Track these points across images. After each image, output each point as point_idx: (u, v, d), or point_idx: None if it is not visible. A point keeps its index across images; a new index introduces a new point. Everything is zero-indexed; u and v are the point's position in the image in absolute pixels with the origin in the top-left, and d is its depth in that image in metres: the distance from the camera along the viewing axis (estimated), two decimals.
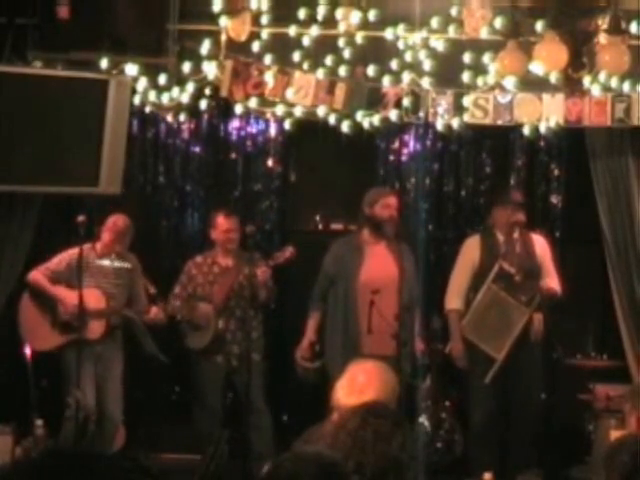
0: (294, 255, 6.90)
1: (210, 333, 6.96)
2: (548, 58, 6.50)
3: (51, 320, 6.94)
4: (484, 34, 6.65)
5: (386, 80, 6.76)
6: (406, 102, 6.82)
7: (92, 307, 6.80)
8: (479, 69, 6.70)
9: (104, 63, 6.70)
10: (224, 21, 6.65)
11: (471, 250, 7.00)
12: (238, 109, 6.93)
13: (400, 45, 6.73)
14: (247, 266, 6.94)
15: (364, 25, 6.69)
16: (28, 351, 6.78)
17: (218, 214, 7.11)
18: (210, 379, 7.01)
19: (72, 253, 6.90)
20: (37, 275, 6.93)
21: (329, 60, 6.75)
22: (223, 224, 7.07)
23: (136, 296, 7.04)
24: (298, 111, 6.86)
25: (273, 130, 8.04)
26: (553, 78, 6.61)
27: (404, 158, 8.12)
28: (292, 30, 6.73)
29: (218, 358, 6.97)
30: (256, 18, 6.71)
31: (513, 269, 6.79)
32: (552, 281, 6.89)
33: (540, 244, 7.00)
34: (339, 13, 6.66)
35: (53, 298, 6.91)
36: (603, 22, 6.50)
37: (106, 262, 6.96)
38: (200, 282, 7.11)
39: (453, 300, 6.96)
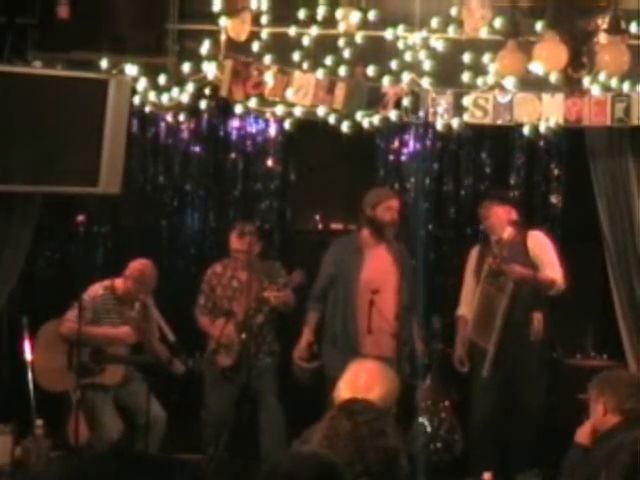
0: (303, 278, 6.94)
1: (235, 351, 6.95)
2: (548, 58, 6.49)
3: (67, 362, 6.82)
4: (484, 34, 6.65)
5: (386, 80, 6.76)
6: (406, 102, 6.82)
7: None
8: (479, 69, 6.70)
9: (104, 63, 6.70)
10: (224, 21, 6.65)
11: (471, 258, 7.12)
12: (238, 109, 6.93)
13: (400, 45, 6.73)
14: (266, 279, 6.98)
15: (364, 25, 6.69)
16: (28, 356, 6.79)
17: (234, 230, 7.05)
18: (223, 394, 7.00)
19: (94, 297, 6.87)
20: (73, 325, 6.71)
21: (329, 60, 6.75)
22: (232, 243, 7.04)
23: (148, 333, 6.99)
24: (298, 111, 6.86)
25: (273, 130, 8.05)
26: (553, 78, 6.60)
27: (404, 158, 8.12)
28: (292, 30, 6.73)
29: (237, 374, 6.95)
30: (256, 18, 6.71)
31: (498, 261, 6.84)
32: (551, 271, 6.87)
33: (534, 239, 6.98)
34: (339, 13, 6.65)
35: (102, 338, 6.86)
36: (603, 22, 6.49)
37: (127, 310, 6.94)
38: (219, 295, 7.09)
39: (460, 307, 7.11)
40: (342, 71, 6.76)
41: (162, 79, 6.81)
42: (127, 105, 6.73)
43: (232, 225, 7.23)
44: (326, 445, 3.36)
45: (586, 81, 6.61)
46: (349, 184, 7.89)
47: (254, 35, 6.74)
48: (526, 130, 6.86)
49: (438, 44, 6.68)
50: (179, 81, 6.84)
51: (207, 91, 6.92)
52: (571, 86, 6.65)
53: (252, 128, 8.16)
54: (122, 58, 6.74)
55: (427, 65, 6.69)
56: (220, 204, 8.23)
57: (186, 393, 7.34)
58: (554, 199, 8.02)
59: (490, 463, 6.31)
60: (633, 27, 6.57)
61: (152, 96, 6.86)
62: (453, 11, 6.69)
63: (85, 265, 7.98)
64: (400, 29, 6.70)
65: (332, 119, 6.84)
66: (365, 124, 6.85)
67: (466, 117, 6.82)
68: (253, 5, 6.67)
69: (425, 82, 6.74)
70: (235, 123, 8.15)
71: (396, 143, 8.10)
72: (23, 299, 7.49)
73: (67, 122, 6.60)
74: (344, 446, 3.35)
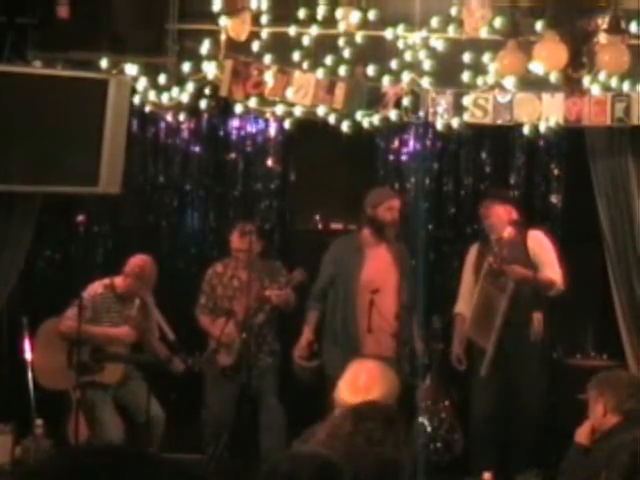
0: (304, 277, 6.96)
1: (235, 351, 6.95)
2: (548, 58, 6.49)
3: (67, 361, 6.80)
4: (484, 34, 6.65)
5: (386, 80, 6.76)
6: (406, 102, 6.82)
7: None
8: (479, 69, 6.70)
9: (104, 63, 6.70)
10: (224, 21, 6.65)
11: (470, 256, 7.12)
12: (238, 109, 6.93)
13: (400, 45, 6.73)
14: (267, 278, 6.99)
15: (364, 25, 6.69)
16: (28, 356, 6.79)
17: (235, 230, 7.06)
18: (223, 394, 7.00)
19: (94, 295, 6.86)
20: (72, 323, 6.68)
21: (329, 60, 6.75)
22: (233, 242, 7.05)
23: (147, 331, 7.00)
24: (298, 111, 6.86)
25: (273, 130, 8.04)
26: (553, 78, 6.60)
27: (404, 158, 8.11)
28: (292, 30, 6.73)
29: (237, 373, 6.95)
30: (256, 18, 6.71)
31: (498, 261, 6.84)
32: (551, 272, 6.87)
33: (534, 238, 6.99)
34: (339, 13, 6.65)
35: (102, 338, 6.84)
36: (603, 22, 6.49)
37: (127, 308, 6.93)
38: (219, 294, 7.09)
39: (458, 304, 7.11)
40: (342, 71, 6.76)
41: (162, 79, 6.81)
42: (127, 105, 6.73)
43: (232, 225, 7.24)
44: (328, 444, 3.35)
45: (586, 81, 6.61)
46: (349, 184, 7.89)
47: (254, 35, 6.74)
48: (526, 130, 6.86)
49: (438, 44, 6.67)
50: (179, 81, 6.84)
51: (207, 91, 6.92)
52: (571, 86, 6.64)
53: (252, 128, 8.15)
54: (122, 58, 6.74)
55: (427, 65, 6.69)
56: (220, 204, 8.23)
57: (186, 393, 7.34)
58: (554, 199, 8.01)
59: (490, 463, 6.32)
60: (633, 27, 6.57)
61: (152, 96, 6.86)
62: (453, 11, 6.69)
63: (85, 265, 7.98)
64: (400, 29, 6.70)
65: (332, 119, 6.84)
66: (365, 124, 6.85)
67: (466, 117, 6.82)
68: (253, 5, 6.67)
69: (425, 82, 6.74)
70: (235, 123, 8.14)
71: (396, 143, 8.10)
72: (23, 299, 7.48)
73: (67, 122, 6.60)
74: (339, 448, 3.34)
